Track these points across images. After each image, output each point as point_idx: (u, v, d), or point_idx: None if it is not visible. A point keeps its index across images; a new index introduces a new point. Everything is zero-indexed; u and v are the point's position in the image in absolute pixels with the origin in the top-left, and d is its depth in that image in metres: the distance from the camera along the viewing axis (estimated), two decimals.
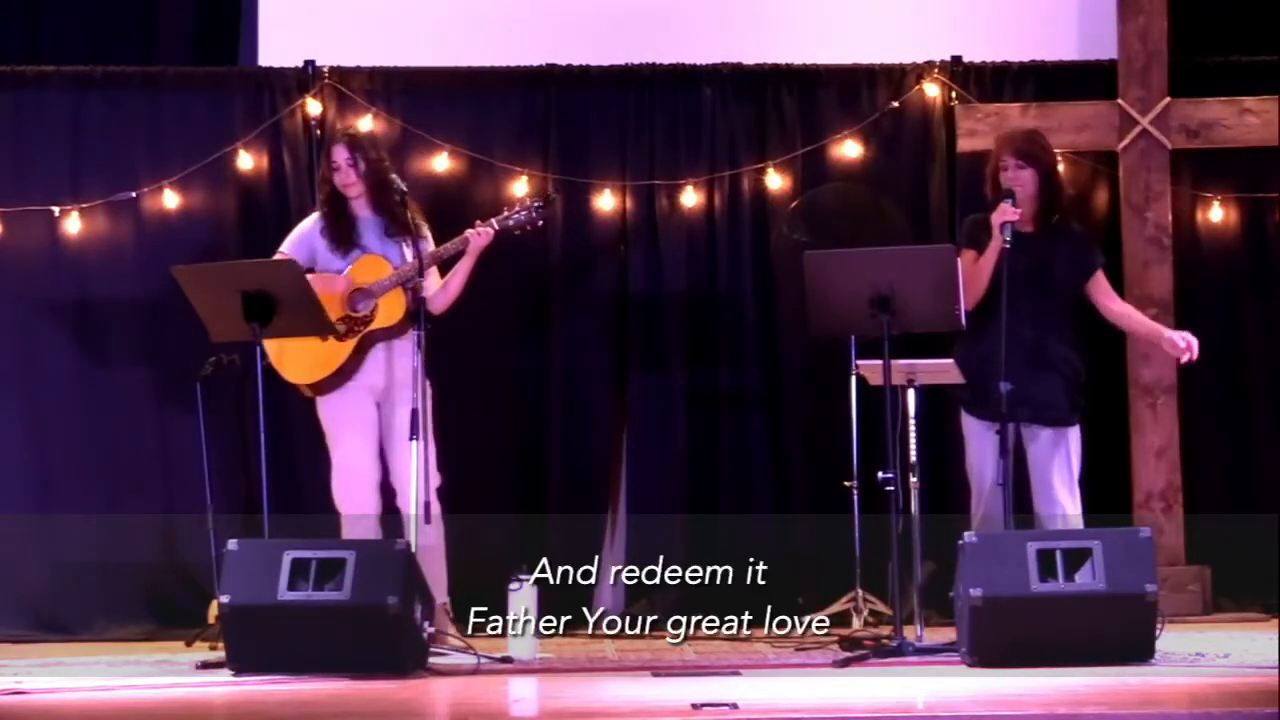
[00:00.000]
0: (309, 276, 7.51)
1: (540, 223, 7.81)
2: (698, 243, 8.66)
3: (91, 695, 6.51)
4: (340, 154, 7.68)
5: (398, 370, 7.58)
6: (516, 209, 7.76)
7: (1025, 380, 7.29)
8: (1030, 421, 7.48)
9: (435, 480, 7.51)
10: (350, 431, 7.63)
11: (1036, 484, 7.52)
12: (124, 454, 8.47)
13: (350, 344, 7.59)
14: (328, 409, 7.69)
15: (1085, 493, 7.61)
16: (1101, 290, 7.62)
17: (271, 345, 7.56)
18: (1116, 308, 7.66)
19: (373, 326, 7.59)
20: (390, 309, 7.58)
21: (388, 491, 7.68)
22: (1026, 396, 7.32)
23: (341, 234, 7.68)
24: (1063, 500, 7.48)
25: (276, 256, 7.71)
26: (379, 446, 7.64)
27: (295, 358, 7.62)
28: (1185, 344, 7.43)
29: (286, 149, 8.59)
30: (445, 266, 7.74)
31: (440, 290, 7.71)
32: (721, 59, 8.67)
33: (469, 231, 7.66)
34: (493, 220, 7.71)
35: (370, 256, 7.61)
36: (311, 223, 7.79)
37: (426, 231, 7.74)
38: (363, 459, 7.63)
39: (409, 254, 7.60)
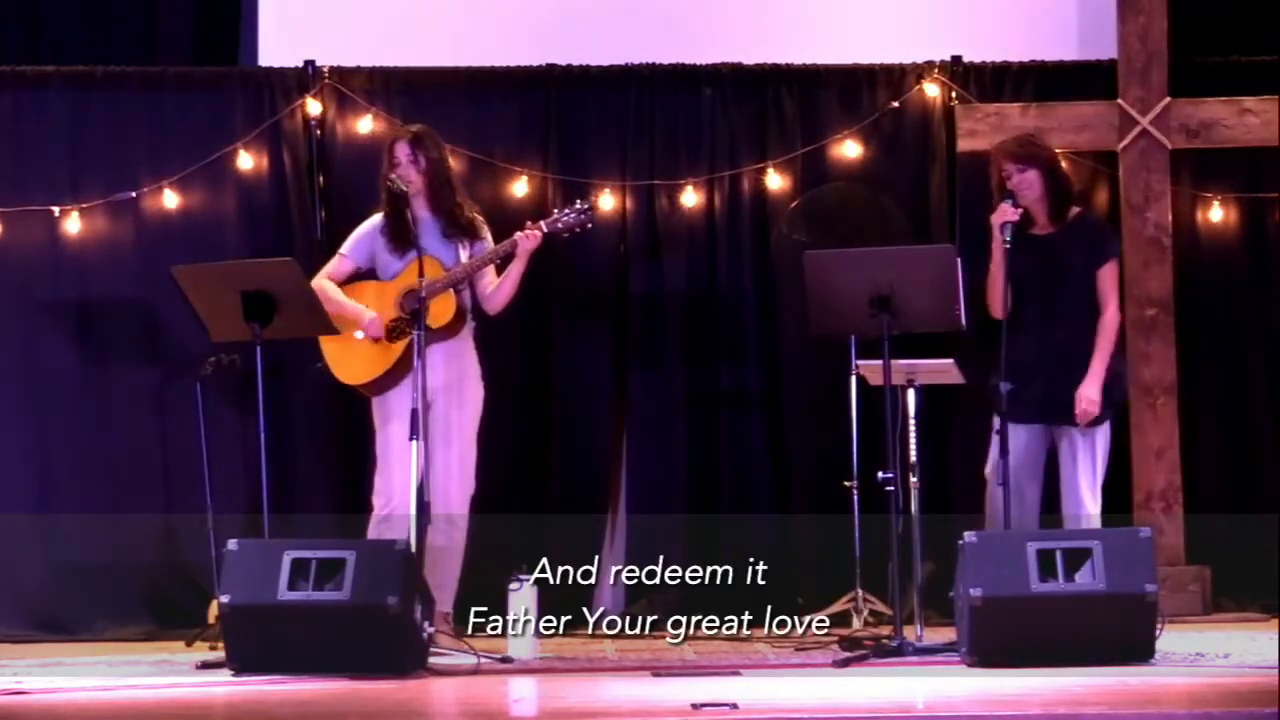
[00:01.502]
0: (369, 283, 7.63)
1: (590, 225, 7.78)
2: (698, 243, 8.65)
3: (91, 695, 6.51)
4: (402, 150, 7.68)
5: (448, 372, 7.59)
6: (565, 211, 7.73)
7: (1055, 381, 7.33)
8: (1059, 422, 7.48)
9: (469, 487, 7.62)
10: (393, 431, 7.62)
11: (1064, 485, 7.52)
12: (124, 454, 8.47)
13: (401, 345, 7.60)
14: (379, 408, 7.71)
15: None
16: (1104, 280, 7.59)
17: (328, 347, 7.63)
18: (1107, 312, 7.61)
19: None
20: (441, 310, 7.56)
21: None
22: (1057, 397, 7.34)
23: (400, 233, 7.66)
24: (1086, 501, 7.49)
25: (335, 258, 7.77)
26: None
27: (351, 359, 7.67)
28: (1083, 408, 7.43)
29: (286, 149, 8.59)
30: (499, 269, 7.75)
31: (494, 291, 7.71)
32: (721, 59, 8.66)
33: (518, 234, 7.63)
34: (541, 223, 7.69)
35: (425, 258, 7.52)
36: (373, 223, 7.79)
37: (486, 233, 7.75)
38: (400, 460, 7.61)
39: (465, 255, 7.62)
